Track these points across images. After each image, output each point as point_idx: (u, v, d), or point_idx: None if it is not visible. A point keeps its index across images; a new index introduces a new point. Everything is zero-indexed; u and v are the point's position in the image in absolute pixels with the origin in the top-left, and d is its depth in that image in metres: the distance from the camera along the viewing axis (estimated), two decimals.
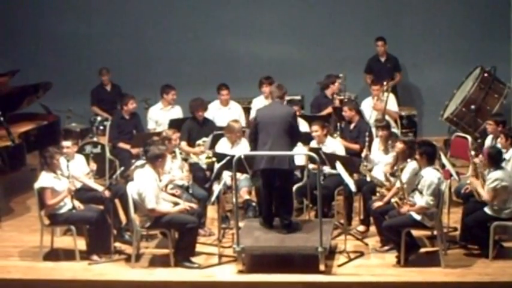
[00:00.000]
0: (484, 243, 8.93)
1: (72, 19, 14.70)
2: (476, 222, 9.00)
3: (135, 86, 13.60)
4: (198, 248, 9.26)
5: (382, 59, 13.85)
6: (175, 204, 9.26)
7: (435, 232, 8.93)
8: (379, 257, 9.16)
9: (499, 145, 9.74)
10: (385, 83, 11.98)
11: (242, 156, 9.01)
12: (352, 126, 11.00)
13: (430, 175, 8.79)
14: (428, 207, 8.77)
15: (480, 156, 9.59)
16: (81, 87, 13.94)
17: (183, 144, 10.89)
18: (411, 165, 9.21)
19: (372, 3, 14.43)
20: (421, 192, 8.84)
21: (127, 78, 13.89)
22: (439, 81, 14.07)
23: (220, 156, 9.54)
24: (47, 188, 9.11)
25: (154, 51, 14.69)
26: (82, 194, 9.59)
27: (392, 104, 11.93)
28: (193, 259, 9.01)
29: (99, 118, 12.92)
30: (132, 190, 9.00)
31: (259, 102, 11.78)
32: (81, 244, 9.24)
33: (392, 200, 9.14)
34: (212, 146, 10.78)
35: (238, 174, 9.60)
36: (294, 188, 9.77)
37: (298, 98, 13.27)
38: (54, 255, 9.40)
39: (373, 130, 10.85)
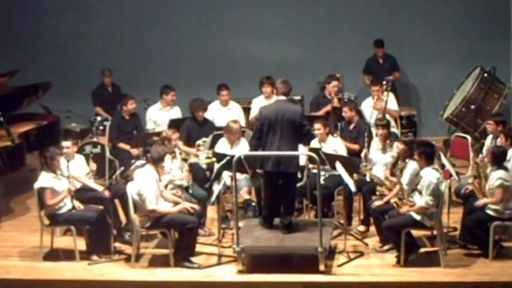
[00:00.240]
0: (484, 243, 8.93)
1: (72, 19, 14.72)
2: (476, 222, 9.00)
3: (135, 86, 13.61)
4: (198, 248, 9.26)
5: (381, 60, 13.87)
6: (176, 203, 9.26)
7: (435, 232, 8.93)
8: (379, 257, 9.16)
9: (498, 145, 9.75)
10: (384, 82, 11.98)
11: (242, 157, 9.01)
12: (351, 126, 11.01)
13: (429, 175, 8.79)
14: (428, 207, 8.78)
15: (480, 156, 9.61)
16: (81, 87, 13.95)
17: (179, 143, 10.88)
18: (412, 165, 9.19)
19: (372, 3, 14.44)
20: (420, 193, 8.85)
21: (127, 78, 13.90)
22: (438, 81, 14.08)
23: (220, 156, 9.53)
24: (47, 188, 9.10)
25: (154, 51, 14.70)
26: (82, 194, 9.59)
27: (392, 103, 11.93)
28: (193, 259, 9.01)
29: (99, 118, 12.92)
30: (132, 190, 9.00)
31: (259, 102, 11.77)
32: (81, 244, 9.24)
33: (392, 201, 9.15)
34: (212, 146, 10.78)
35: (238, 174, 9.59)
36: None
37: (298, 98, 13.29)
38: (54, 255, 9.40)
39: (373, 130, 10.85)
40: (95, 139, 12.35)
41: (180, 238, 9.02)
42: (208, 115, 11.72)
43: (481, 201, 9.03)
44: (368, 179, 9.94)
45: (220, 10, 14.60)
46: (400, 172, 9.23)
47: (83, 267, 9.06)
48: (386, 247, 9.25)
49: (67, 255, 9.33)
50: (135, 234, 9.03)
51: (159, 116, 12.08)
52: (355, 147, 10.68)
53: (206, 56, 14.57)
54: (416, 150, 9.04)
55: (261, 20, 14.59)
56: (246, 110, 12.41)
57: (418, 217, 8.86)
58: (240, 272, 8.78)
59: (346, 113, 11.01)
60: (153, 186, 8.96)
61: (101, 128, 12.62)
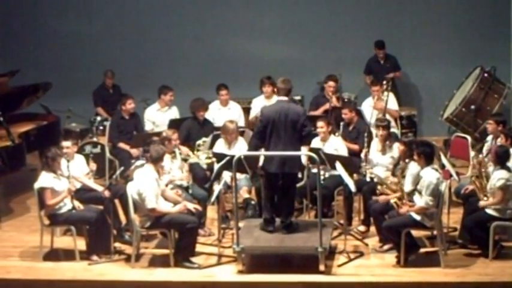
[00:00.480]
0: (484, 243, 8.93)
1: (72, 19, 14.72)
2: (476, 222, 8.99)
3: (135, 86, 13.61)
4: (198, 248, 9.25)
5: (382, 61, 13.87)
6: (177, 203, 9.26)
7: (435, 232, 8.93)
8: (379, 257, 9.16)
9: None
10: (384, 82, 11.98)
11: (242, 157, 9.00)
12: (351, 127, 11.00)
13: (429, 175, 8.78)
14: (428, 207, 8.77)
15: (480, 156, 9.60)
16: (81, 87, 13.95)
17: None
18: (414, 168, 9.16)
19: (372, 3, 14.44)
20: (420, 193, 8.84)
21: (127, 78, 13.90)
22: (439, 81, 14.08)
23: (220, 157, 9.53)
24: (47, 188, 9.10)
25: (155, 51, 14.70)
26: (82, 194, 9.59)
27: (392, 103, 11.93)
28: (193, 259, 9.01)
29: (99, 118, 12.93)
30: (132, 190, 9.00)
31: (259, 102, 11.77)
32: (81, 244, 9.24)
33: (392, 201, 9.14)
34: (212, 146, 10.77)
35: (238, 174, 9.59)
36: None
37: (298, 98, 13.30)
38: (54, 255, 9.40)
39: (373, 130, 10.84)
40: (95, 139, 12.37)
41: (180, 238, 9.01)
42: (208, 115, 11.72)
43: (483, 203, 9.01)
44: (368, 179, 9.94)
45: (220, 10, 14.60)
46: (401, 172, 9.22)
47: (83, 267, 9.06)
48: (386, 247, 9.25)
49: (67, 255, 9.33)
50: (135, 234, 9.03)
51: (157, 117, 12.08)
52: (355, 147, 10.67)
53: (206, 56, 14.57)
54: (415, 150, 9.03)
55: (261, 20, 14.59)
56: (246, 110, 12.41)
57: (418, 217, 8.85)
58: (240, 272, 8.78)
59: (346, 114, 10.99)
60: (153, 185, 8.96)
61: (101, 128, 12.63)
